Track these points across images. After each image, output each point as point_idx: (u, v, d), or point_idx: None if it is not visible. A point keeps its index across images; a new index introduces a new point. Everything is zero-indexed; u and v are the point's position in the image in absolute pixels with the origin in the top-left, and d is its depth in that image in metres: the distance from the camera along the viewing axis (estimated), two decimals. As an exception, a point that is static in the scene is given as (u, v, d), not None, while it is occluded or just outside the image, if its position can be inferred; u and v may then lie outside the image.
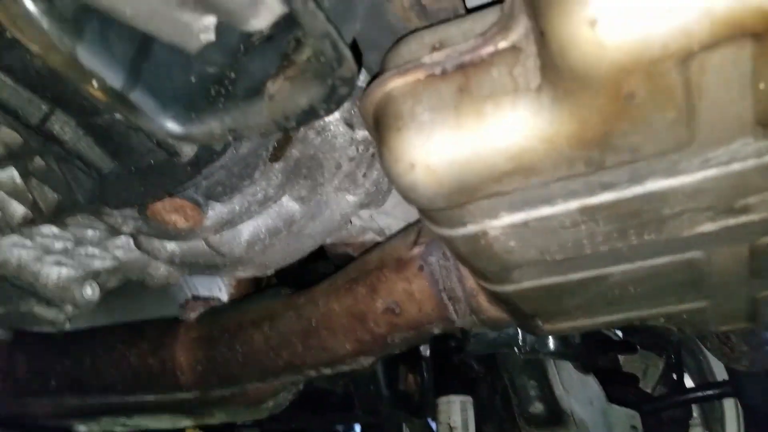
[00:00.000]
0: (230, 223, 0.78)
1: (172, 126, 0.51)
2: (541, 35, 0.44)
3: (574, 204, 0.54)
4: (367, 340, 0.86)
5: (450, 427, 1.51)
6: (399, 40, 0.57)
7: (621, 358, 1.83)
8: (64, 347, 1.11)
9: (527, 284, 0.68)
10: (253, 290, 1.27)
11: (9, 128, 0.81)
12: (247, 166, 0.74)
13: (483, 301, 0.78)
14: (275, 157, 0.76)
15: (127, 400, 1.12)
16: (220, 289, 1.28)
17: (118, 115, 0.67)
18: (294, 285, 1.01)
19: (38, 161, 0.82)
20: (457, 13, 0.62)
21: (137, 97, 0.48)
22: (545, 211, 0.55)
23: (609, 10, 0.39)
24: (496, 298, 0.75)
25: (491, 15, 0.53)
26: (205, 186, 0.74)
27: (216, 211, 0.77)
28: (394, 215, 0.93)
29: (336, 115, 0.74)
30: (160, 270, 0.90)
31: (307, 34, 0.50)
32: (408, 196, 0.54)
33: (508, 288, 0.69)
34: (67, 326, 1.01)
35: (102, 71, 0.46)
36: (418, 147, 0.51)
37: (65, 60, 0.44)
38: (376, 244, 0.89)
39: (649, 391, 1.79)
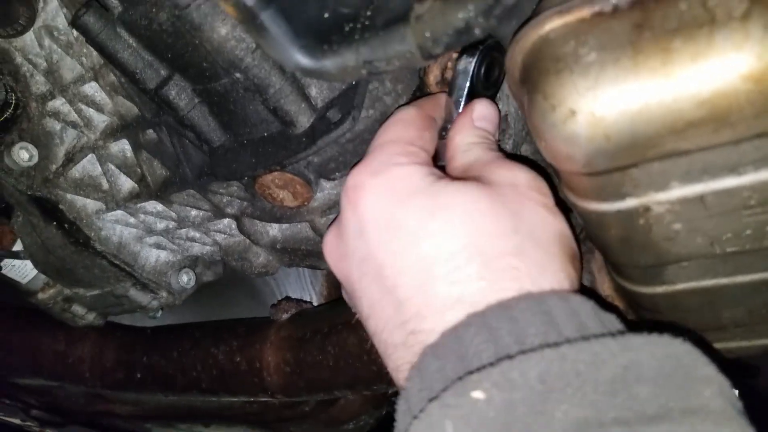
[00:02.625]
0: (338, 205, 0.73)
1: (302, 58, 0.46)
2: (762, -61, 0.36)
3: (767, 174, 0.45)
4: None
5: None
6: (557, -18, 0.50)
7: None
8: (153, 340, 1.09)
9: (683, 286, 0.57)
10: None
11: (125, 98, 0.80)
12: (362, 143, 0.69)
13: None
14: (392, 137, 0.70)
15: (209, 402, 1.07)
16: (311, 297, 1.23)
17: (237, 74, 0.64)
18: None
19: (150, 134, 0.80)
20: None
21: (269, 18, 0.44)
22: (729, 182, 0.46)
23: None
24: (639, 306, 0.64)
25: (674, -53, 0.45)
26: (317, 162, 0.70)
27: (325, 191, 0.72)
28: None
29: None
30: (260, 257, 0.85)
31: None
32: (563, 152, 0.46)
33: (658, 290, 0.59)
34: (160, 314, 0.98)
35: (238, -17, 0.42)
36: (582, 90, 0.43)
37: (202, -34, 0.40)
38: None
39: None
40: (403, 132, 0.53)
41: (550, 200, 0.50)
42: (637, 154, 0.45)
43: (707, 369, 0.38)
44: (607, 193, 0.49)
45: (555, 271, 0.46)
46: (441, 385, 0.39)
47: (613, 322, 0.43)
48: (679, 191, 0.47)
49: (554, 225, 0.49)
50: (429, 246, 0.46)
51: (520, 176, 0.51)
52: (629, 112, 0.43)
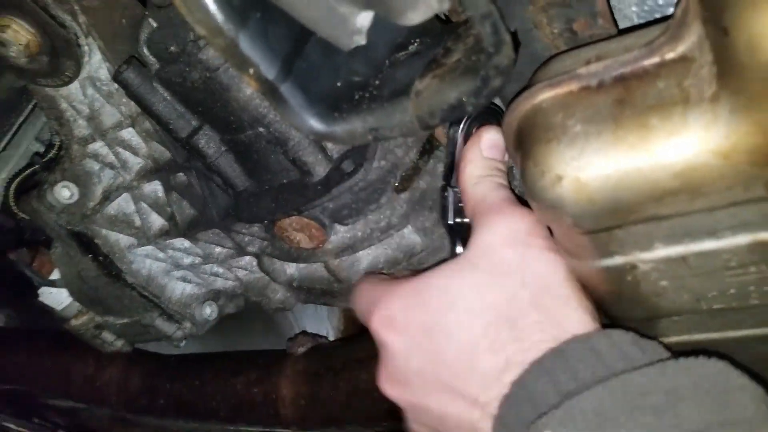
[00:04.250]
0: (351, 248, 0.77)
1: (315, 123, 0.51)
2: (725, 33, 0.40)
3: (744, 238, 0.48)
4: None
5: None
6: (551, 57, 0.54)
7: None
8: (176, 368, 1.14)
9: (675, 339, 0.60)
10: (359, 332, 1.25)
11: (159, 144, 0.87)
12: (374, 192, 0.73)
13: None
14: (402, 187, 0.75)
15: (227, 431, 1.11)
16: (327, 332, 1.27)
17: (261, 129, 0.70)
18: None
19: (181, 177, 0.87)
20: (611, 39, 0.59)
21: (287, 90, 0.49)
22: (708, 245, 0.49)
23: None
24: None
25: (657, 30, 0.49)
26: (332, 208, 0.74)
27: (339, 235, 0.77)
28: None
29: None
30: (278, 294, 0.90)
31: (458, 43, 0.50)
32: (551, 213, 0.50)
33: (652, 342, 0.61)
34: (183, 344, 1.03)
35: (259, 60, 0.47)
36: (568, 159, 0.47)
37: (227, 45, 0.46)
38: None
39: None
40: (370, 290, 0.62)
41: (551, 241, 0.55)
42: (620, 217, 0.48)
43: (740, 380, 0.45)
44: (595, 251, 0.53)
45: (574, 309, 0.53)
46: (521, 429, 0.46)
47: (654, 348, 0.50)
48: (662, 251, 0.50)
49: (560, 266, 0.55)
50: (463, 334, 0.53)
51: (521, 224, 0.55)
52: (611, 179, 0.46)
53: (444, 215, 0.67)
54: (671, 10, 0.54)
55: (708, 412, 0.43)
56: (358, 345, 0.96)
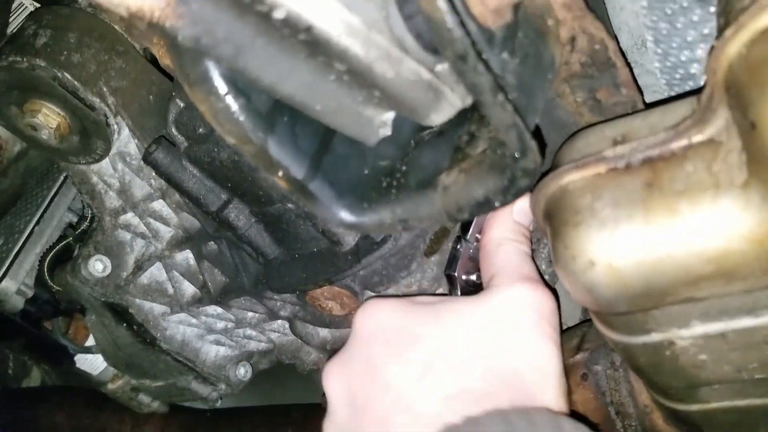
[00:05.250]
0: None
1: (345, 215, 0.52)
2: (752, 127, 0.40)
3: (784, 316, 0.47)
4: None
5: None
6: (575, 134, 0.55)
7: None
8: (213, 424, 1.14)
9: (716, 405, 0.59)
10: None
11: (189, 214, 0.89)
12: (404, 258, 0.74)
13: (658, 419, 0.69)
14: (431, 250, 0.75)
15: (265, 487, 1.11)
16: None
17: (289, 205, 0.71)
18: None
19: (211, 246, 0.88)
20: (635, 109, 0.59)
21: (316, 187, 0.50)
22: (747, 322, 0.49)
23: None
24: (676, 418, 0.66)
25: (682, 108, 0.49)
26: (362, 275, 0.75)
27: (370, 300, 0.77)
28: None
29: (495, 209, 0.73)
30: (311, 356, 0.90)
31: (482, 128, 0.50)
32: (585, 296, 0.50)
33: (693, 407, 0.60)
34: (219, 404, 1.04)
35: (288, 162, 0.48)
36: (599, 244, 0.47)
37: (257, 151, 0.47)
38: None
39: None
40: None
41: (557, 334, 0.55)
42: (654, 300, 0.48)
43: None
44: (633, 329, 0.52)
45: (546, 401, 0.52)
46: None
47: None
48: (700, 329, 0.50)
49: (546, 356, 0.54)
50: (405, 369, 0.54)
51: (541, 306, 0.55)
52: (643, 264, 0.46)
53: (451, 265, 0.68)
54: (695, 66, 0.54)
55: None
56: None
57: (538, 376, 0.53)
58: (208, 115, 0.46)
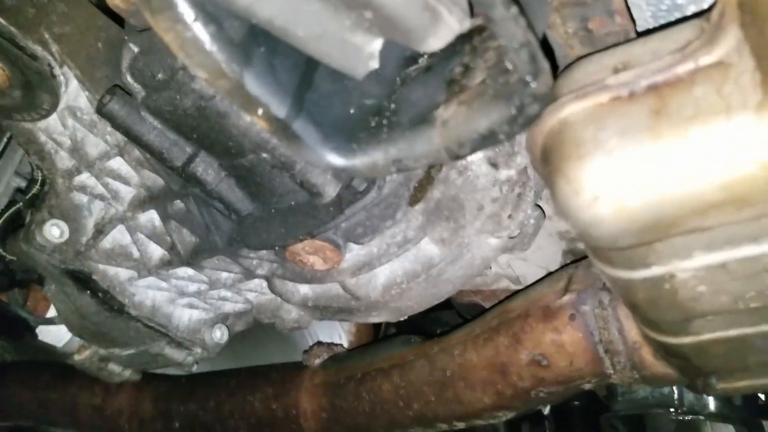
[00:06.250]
0: (368, 265, 0.75)
1: (334, 158, 0.48)
2: (772, 43, 0.38)
3: (789, 241, 0.46)
4: (508, 394, 0.79)
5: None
6: (571, 65, 0.52)
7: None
8: (189, 390, 1.11)
9: (708, 336, 0.59)
10: (373, 339, 1.23)
11: (151, 171, 0.83)
12: (388, 207, 0.71)
13: (647, 354, 0.69)
14: (416, 198, 0.72)
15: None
16: (340, 337, 1.25)
17: (264, 155, 0.66)
18: (416, 334, 0.96)
19: (178, 204, 0.83)
20: (628, 38, 0.57)
21: (300, 126, 0.46)
22: (750, 250, 0.48)
23: None
24: (666, 352, 0.66)
25: (684, 32, 0.47)
26: (345, 227, 0.72)
27: (354, 253, 0.74)
28: (532, 262, 0.86)
29: (479, 155, 0.70)
30: (292, 314, 0.87)
31: (477, 59, 0.47)
32: (588, 232, 0.48)
33: (685, 340, 0.61)
34: (195, 368, 1.01)
35: (268, 99, 0.44)
36: (605, 177, 0.45)
37: (232, 87, 0.42)
38: (514, 293, 0.83)
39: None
40: None
41: None
42: (660, 232, 0.46)
43: None
44: (632, 263, 0.51)
45: None
46: None
47: None
48: (703, 259, 0.49)
49: None
50: None
51: None
52: (652, 196, 0.44)
53: None
54: (691, 8, 0.52)
55: None
56: (377, 353, 0.94)
57: None
58: (174, 46, 0.41)
